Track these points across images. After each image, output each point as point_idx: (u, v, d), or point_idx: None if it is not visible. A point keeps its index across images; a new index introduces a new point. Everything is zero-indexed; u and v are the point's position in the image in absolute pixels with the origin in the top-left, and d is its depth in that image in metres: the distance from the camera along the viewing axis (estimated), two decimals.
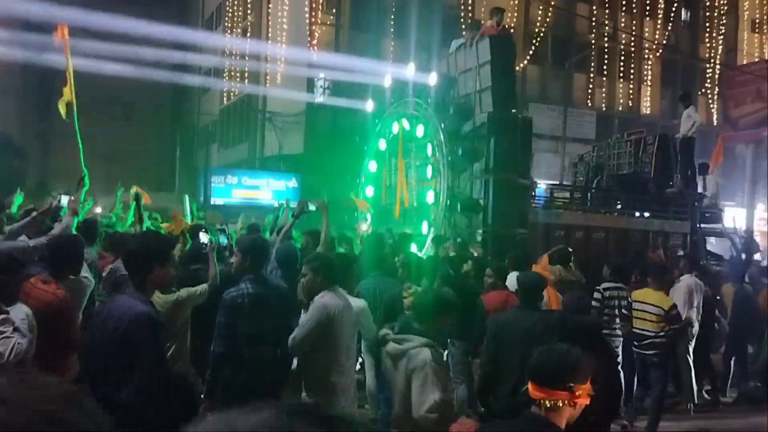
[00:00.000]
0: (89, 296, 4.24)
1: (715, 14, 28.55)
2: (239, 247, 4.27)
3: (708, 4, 28.47)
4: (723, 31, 28.52)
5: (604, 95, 26.89)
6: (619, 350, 6.17)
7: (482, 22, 12.11)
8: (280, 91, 22.10)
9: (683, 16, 28.56)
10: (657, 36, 27.34)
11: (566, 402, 2.15)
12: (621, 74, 27.07)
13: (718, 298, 7.89)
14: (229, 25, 27.37)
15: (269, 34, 22.97)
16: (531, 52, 24.14)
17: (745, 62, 26.33)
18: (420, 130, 9.87)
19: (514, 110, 9.33)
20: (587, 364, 2.27)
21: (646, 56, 27.66)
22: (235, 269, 4.41)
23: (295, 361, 3.95)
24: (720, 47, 28.49)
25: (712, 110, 27.22)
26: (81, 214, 5.24)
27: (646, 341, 5.95)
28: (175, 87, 29.53)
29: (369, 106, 11.62)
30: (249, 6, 25.48)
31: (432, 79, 9.84)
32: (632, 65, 27.21)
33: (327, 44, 21.12)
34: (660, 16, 27.42)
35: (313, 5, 21.56)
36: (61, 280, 3.56)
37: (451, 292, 3.53)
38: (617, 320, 6.17)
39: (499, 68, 9.01)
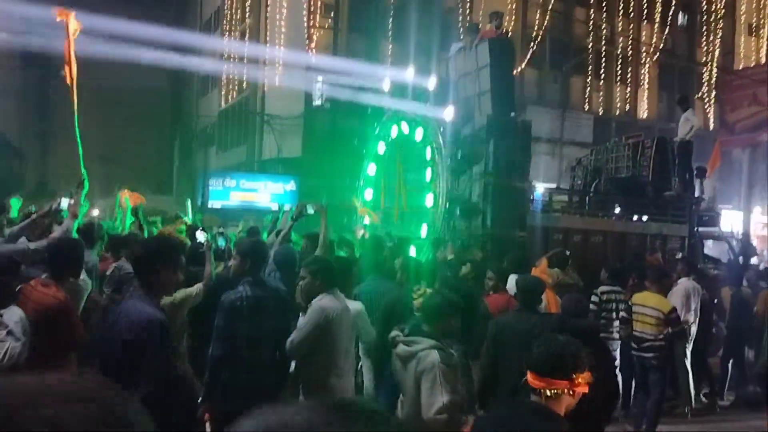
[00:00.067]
0: (85, 299, 4.23)
1: (712, 18, 28.67)
2: (238, 249, 4.28)
3: (705, 7, 28.58)
4: (720, 34, 28.62)
5: (601, 98, 26.96)
6: (617, 353, 6.18)
7: (480, 25, 12.12)
8: (279, 94, 22.12)
9: (680, 20, 28.67)
10: (654, 40, 27.43)
11: (566, 391, 2.20)
12: (618, 78, 27.15)
13: (716, 301, 7.91)
14: (228, 27, 27.39)
15: (267, 37, 22.99)
16: (529, 56, 24.19)
17: (742, 66, 26.45)
18: (419, 133, 9.88)
19: (513, 113, 9.35)
20: (585, 354, 2.33)
21: (643, 60, 27.75)
22: (233, 272, 4.41)
23: (293, 364, 3.95)
24: (717, 51, 28.60)
25: (709, 114, 27.31)
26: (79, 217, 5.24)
27: (646, 344, 5.96)
28: (173, 89, 29.56)
29: (367, 109, 11.63)
30: (247, 9, 25.50)
31: (431, 82, 9.86)
32: (629, 69, 27.29)
33: (325, 47, 21.14)
34: (657, 19, 27.51)
35: (312, 8, 21.60)
36: (61, 282, 3.55)
37: (456, 295, 3.55)
38: (615, 323, 6.18)
39: (499, 71, 9.03)
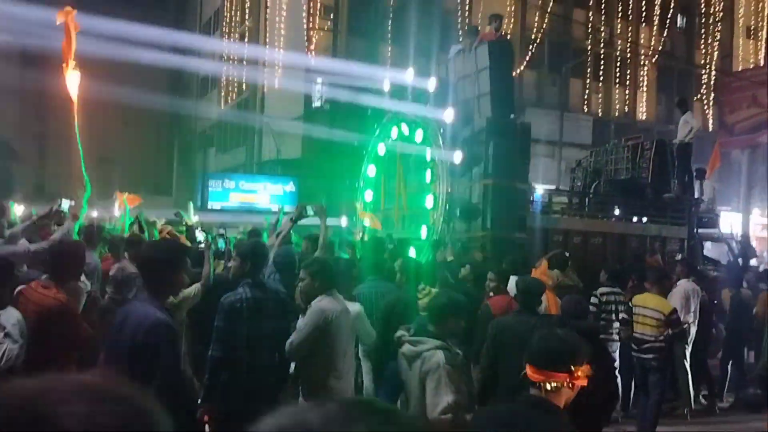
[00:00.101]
0: (84, 300, 4.23)
1: (711, 21, 28.73)
2: (238, 251, 4.27)
3: (704, 10, 28.64)
4: (718, 37, 28.69)
5: (600, 100, 27.00)
6: (616, 354, 6.19)
7: (479, 27, 12.14)
8: (278, 96, 22.12)
9: (679, 23, 28.73)
10: (653, 42, 27.48)
11: (566, 383, 2.21)
12: (617, 80, 27.20)
13: (715, 302, 7.91)
14: (227, 29, 27.41)
15: (267, 39, 23.00)
16: (528, 58, 24.23)
17: (740, 68, 26.50)
18: (419, 135, 9.89)
19: (512, 115, 9.36)
20: (584, 347, 2.35)
21: (642, 62, 27.80)
22: (232, 274, 4.40)
23: (293, 365, 3.95)
24: (715, 53, 28.65)
25: (708, 116, 27.35)
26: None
27: (646, 345, 5.97)
28: (173, 91, 29.57)
29: (367, 110, 11.63)
30: (247, 11, 25.53)
31: (431, 84, 9.86)
32: (628, 71, 27.33)
33: (325, 49, 21.16)
34: (656, 22, 27.57)
35: (311, 10, 21.61)
36: (62, 284, 3.54)
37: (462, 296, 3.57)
38: (614, 325, 6.19)
39: (498, 74, 9.03)
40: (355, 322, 4.02)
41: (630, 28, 27.10)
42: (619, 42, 26.57)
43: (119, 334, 2.73)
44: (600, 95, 26.98)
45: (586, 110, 26.45)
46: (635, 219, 10.57)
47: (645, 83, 27.85)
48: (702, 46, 28.70)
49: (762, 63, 27.01)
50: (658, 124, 26.54)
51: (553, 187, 15.35)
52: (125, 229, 6.71)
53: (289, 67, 21.36)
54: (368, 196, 11.17)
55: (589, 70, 26.35)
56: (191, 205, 8.75)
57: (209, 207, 19.31)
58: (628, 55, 27.22)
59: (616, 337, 6.19)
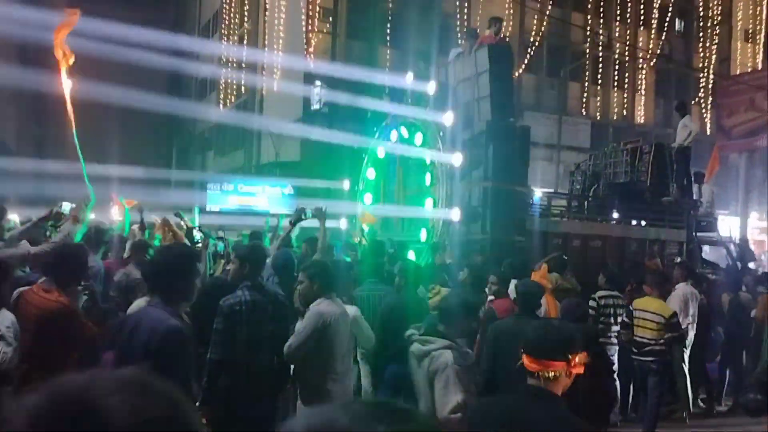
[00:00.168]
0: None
1: (709, 24, 28.83)
2: (237, 253, 4.26)
3: (702, 14, 28.75)
4: (716, 41, 28.79)
5: (598, 104, 27.06)
6: (615, 358, 6.18)
7: (478, 30, 12.15)
8: (277, 98, 22.13)
9: (677, 26, 28.82)
10: (651, 45, 27.57)
11: (564, 372, 2.24)
12: (615, 83, 27.27)
13: (713, 305, 7.90)
14: (226, 32, 27.43)
15: (266, 42, 23.03)
16: (526, 61, 24.29)
17: (738, 72, 26.57)
18: (419, 138, 9.89)
19: (512, 119, 9.36)
20: (578, 335, 2.39)
21: (640, 65, 27.88)
22: (231, 276, 4.40)
23: (292, 368, 3.94)
24: (713, 57, 28.75)
25: (706, 119, 27.42)
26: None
27: (646, 348, 5.97)
28: (172, 93, 29.55)
29: (366, 113, 11.62)
30: (246, 14, 25.56)
31: (430, 87, 9.87)
32: (626, 74, 27.41)
33: (323, 52, 21.17)
34: (654, 25, 27.66)
35: (310, 13, 21.64)
36: (64, 288, 3.53)
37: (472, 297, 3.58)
38: (613, 328, 6.18)
39: (498, 77, 9.04)
40: (353, 325, 4.02)
41: (628, 32, 27.19)
42: (618, 45, 26.64)
43: (132, 340, 2.71)
44: (598, 99, 27.05)
45: (584, 113, 26.51)
46: (634, 222, 10.58)
47: (643, 87, 27.93)
48: (700, 50, 28.79)
49: (760, 67, 27.10)
50: (656, 128, 26.61)
51: (551, 190, 15.37)
52: (125, 230, 6.71)
53: (288, 69, 21.38)
54: (368, 199, 11.17)
55: (587, 74, 26.42)
56: (197, 209, 8.78)
57: (208, 209, 19.30)
58: (627, 58, 27.30)
59: (614, 340, 6.19)
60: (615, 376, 6.15)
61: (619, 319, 6.17)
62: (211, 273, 6.35)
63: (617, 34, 26.74)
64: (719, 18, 28.85)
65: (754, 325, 7.45)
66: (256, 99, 24.19)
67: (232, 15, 27.13)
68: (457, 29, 22.44)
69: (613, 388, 6.13)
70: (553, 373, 2.23)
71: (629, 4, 26.97)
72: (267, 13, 23.08)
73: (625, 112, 27.43)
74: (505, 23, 21.82)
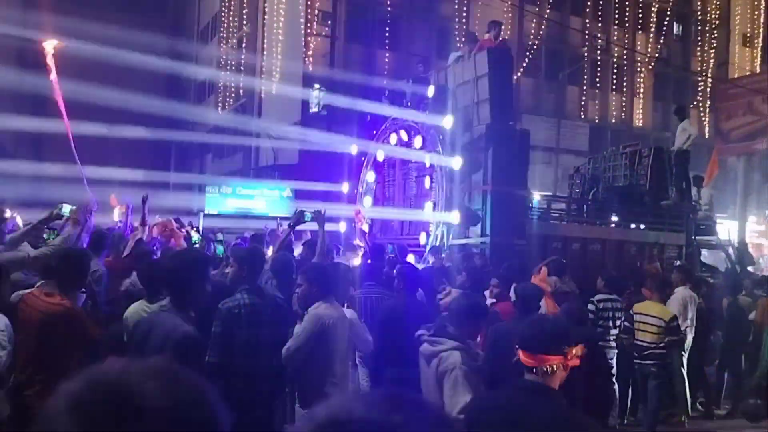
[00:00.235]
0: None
1: (707, 28, 28.92)
2: (235, 256, 4.25)
3: (700, 18, 28.84)
4: (714, 44, 28.87)
5: (597, 107, 27.11)
6: (613, 362, 6.17)
7: (477, 34, 12.17)
8: (276, 101, 22.14)
9: (675, 30, 28.90)
10: (649, 49, 27.63)
11: (560, 366, 2.26)
12: (614, 87, 27.32)
13: (712, 309, 7.89)
14: (225, 35, 27.44)
15: (265, 45, 23.04)
16: (525, 65, 24.32)
17: (736, 75, 26.63)
18: (418, 141, 9.89)
19: (511, 122, 9.37)
20: (573, 329, 2.43)
21: (638, 69, 27.94)
22: (230, 279, 4.38)
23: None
24: (712, 61, 28.82)
25: (704, 123, 27.48)
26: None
27: (646, 352, 5.97)
28: (170, 96, 29.54)
29: (365, 116, 11.62)
30: (245, 17, 25.58)
31: (430, 90, 9.87)
32: (625, 78, 27.46)
33: (322, 55, 21.19)
34: (652, 29, 27.73)
35: (309, 16, 21.66)
36: (66, 292, 3.52)
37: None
38: (611, 331, 6.18)
39: (497, 81, 9.04)
40: (351, 329, 4.00)
41: (626, 35, 27.25)
42: (616, 49, 26.70)
43: (144, 345, 2.70)
44: (597, 102, 27.09)
45: (582, 117, 26.55)
46: (633, 226, 10.58)
47: (641, 90, 27.99)
48: (698, 54, 28.87)
49: (758, 70, 27.17)
50: (655, 131, 26.67)
51: (549, 193, 15.38)
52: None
53: (287, 72, 21.39)
54: (367, 202, 11.16)
55: (585, 77, 26.47)
56: (201, 215, 8.78)
57: (206, 212, 19.27)
58: (625, 62, 27.35)
59: (613, 344, 6.18)
60: (613, 379, 6.15)
61: (618, 323, 6.16)
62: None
63: (615, 38, 26.81)
64: (717, 22, 28.94)
65: (752, 328, 7.46)
66: (254, 102, 24.19)
67: (231, 18, 27.15)
68: (456, 33, 22.46)
69: (611, 392, 6.13)
70: (549, 368, 2.25)
71: (627, 8, 27.04)
72: (266, 16, 23.10)
73: (623, 116, 27.48)
74: (503, 27, 21.88)
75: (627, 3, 26.98)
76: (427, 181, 9.86)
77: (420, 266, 7.08)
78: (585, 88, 26.57)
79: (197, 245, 5.54)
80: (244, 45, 25.34)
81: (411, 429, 0.70)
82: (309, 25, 21.71)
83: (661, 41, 27.91)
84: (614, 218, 10.76)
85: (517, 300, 4.46)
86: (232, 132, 26.37)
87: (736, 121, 20.38)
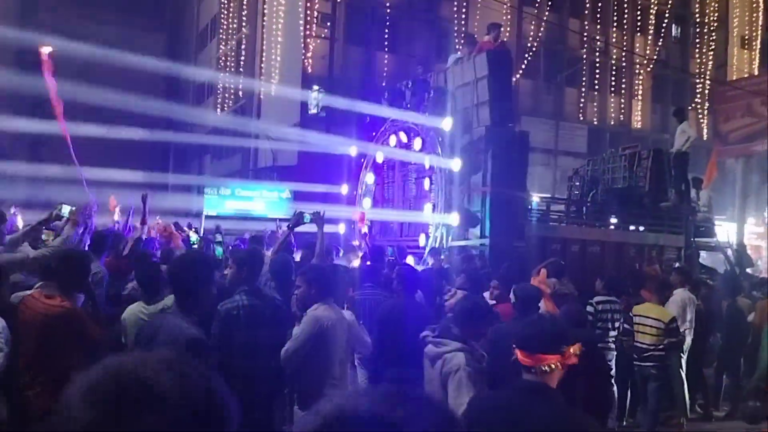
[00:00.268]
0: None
1: (705, 30, 28.97)
2: (235, 258, 4.24)
3: (698, 20, 28.89)
4: (713, 47, 28.92)
5: (595, 109, 27.13)
6: (612, 363, 6.17)
7: (476, 35, 12.18)
8: (275, 103, 22.14)
9: (674, 32, 28.95)
10: (648, 51, 27.66)
11: (558, 364, 2.27)
12: (612, 89, 27.35)
13: (711, 311, 7.89)
14: (224, 37, 27.44)
15: (264, 46, 23.04)
16: (523, 66, 24.35)
17: (734, 77, 26.69)
18: (417, 143, 9.90)
19: (511, 124, 9.38)
20: (570, 328, 2.46)
21: (637, 71, 27.97)
22: (229, 281, 4.37)
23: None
24: (710, 63, 28.87)
25: (703, 125, 27.52)
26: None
27: (645, 354, 5.98)
28: (169, 98, 29.54)
29: (365, 118, 11.62)
30: (244, 18, 25.57)
31: (429, 92, 9.87)
32: (623, 80, 27.50)
33: (321, 56, 21.20)
34: (651, 31, 27.77)
35: (308, 18, 21.67)
36: (67, 294, 3.51)
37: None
38: (610, 333, 6.18)
39: (497, 83, 9.05)
40: (350, 330, 4.00)
41: (625, 37, 27.28)
42: (614, 51, 26.74)
43: (149, 347, 2.69)
44: (595, 104, 27.12)
45: (581, 119, 26.57)
46: (632, 228, 10.59)
47: (640, 92, 28.02)
48: (697, 56, 28.91)
49: (756, 72, 27.22)
50: (653, 133, 26.69)
51: (547, 195, 15.38)
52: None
53: (286, 74, 21.39)
54: (366, 204, 11.16)
55: (584, 79, 26.49)
56: (203, 216, 8.79)
57: (205, 214, 19.24)
58: (623, 64, 27.39)
59: (612, 346, 6.18)
60: (612, 381, 6.14)
61: (617, 325, 6.16)
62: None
63: (614, 40, 26.84)
64: (715, 24, 28.99)
65: (751, 330, 7.46)
66: (253, 103, 24.18)
67: (230, 19, 27.15)
68: (455, 34, 22.49)
69: (610, 394, 6.12)
70: (547, 367, 2.25)
71: (626, 10, 27.08)
72: (265, 17, 23.11)
73: (621, 118, 27.51)
74: (502, 28, 21.91)
75: (625, 5, 27.03)
76: (426, 182, 9.86)
77: (419, 268, 7.08)
78: (584, 90, 26.60)
79: (195, 246, 5.55)
80: (243, 46, 25.34)
81: (415, 423, 0.71)
82: (308, 26, 21.72)
83: (660, 43, 27.94)
84: (613, 220, 10.76)
85: (517, 301, 4.46)
86: (231, 133, 26.36)
87: (734, 123, 20.42)
